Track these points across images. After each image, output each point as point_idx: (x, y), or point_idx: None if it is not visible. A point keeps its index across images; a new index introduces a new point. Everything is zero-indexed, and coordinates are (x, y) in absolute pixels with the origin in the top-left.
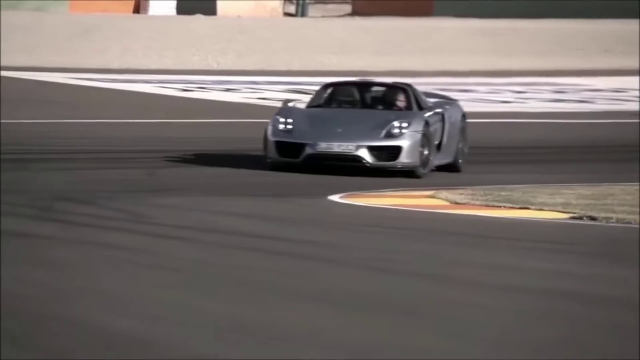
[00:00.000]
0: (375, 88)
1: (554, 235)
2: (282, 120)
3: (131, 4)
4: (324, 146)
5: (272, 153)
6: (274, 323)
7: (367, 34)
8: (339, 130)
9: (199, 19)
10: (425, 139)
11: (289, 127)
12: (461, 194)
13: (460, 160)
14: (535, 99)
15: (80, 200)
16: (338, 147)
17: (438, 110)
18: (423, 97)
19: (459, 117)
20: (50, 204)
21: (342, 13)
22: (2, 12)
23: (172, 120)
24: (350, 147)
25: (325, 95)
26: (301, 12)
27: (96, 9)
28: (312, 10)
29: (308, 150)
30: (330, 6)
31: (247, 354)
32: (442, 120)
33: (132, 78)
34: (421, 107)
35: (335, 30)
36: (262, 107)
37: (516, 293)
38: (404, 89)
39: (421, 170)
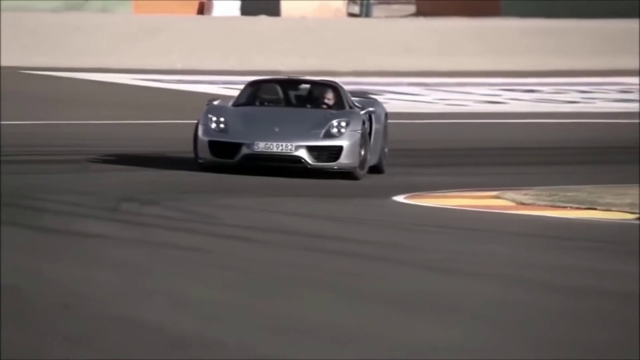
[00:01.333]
0: (303, 85)
1: (621, 236)
2: (214, 119)
3: (195, 5)
4: (262, 146)
5: (205, 153)
6: (338, 324)
7: (432, 34)
8: (276, 129)
9: (263, 20)
10: (363, 139)
11: (222, 126)
12: (526, 194)
13: (384, 161)
14: (601, 99)
15: (145, 201)
16: (277, 147)
17: (370, 109)
18: (349, 95)
19: (383, 116)
20: (115, 205)
21: (406, 13)
22: (68, 15)
23: None
24: (290, 147)
25: (251, 93)
26: (365, 12)
27: (160, 10)
28: (377, 10)
29: (245, 151)
30: (394, 6)
31: (310, 355)
32: (370, 119)
33: (195, 79)
34: (350, 106)
35: (399, 30)
36: None
37: (590, 296)
38: (334, 86)
39: (359, 172)
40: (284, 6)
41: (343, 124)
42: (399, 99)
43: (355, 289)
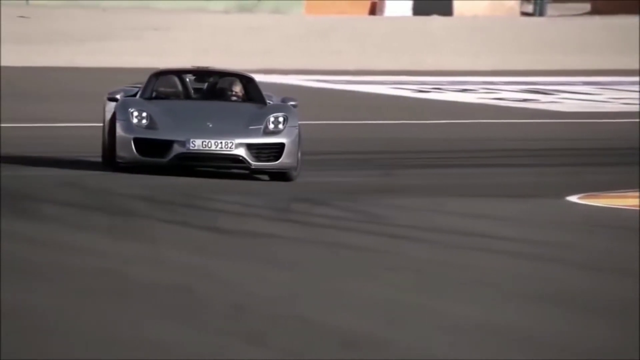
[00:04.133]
0: (216, 77)
1: None
2: (136, 114)
3: (367, 5)
4: (198, 144)
5: (127, 152)
6: (509, 324)
7: (608, 32)
8: (209, 125)
9: (435, 20)
10: (299, 136)
11: (145, 121)
12: None
13: (299, 166)
14: None
15: (317, 201)
16: (215, 145)
17: (292, 102)
18: None
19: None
20: (287, 205)
21: (581, 12)
22: (240, 15)
23: (407, 121)
24: (229, 145)
25: (159, 84)
26: (539, 11)
27: (332, 11)
28: (550, 9)
29: (178, 149)
30: (568, 5)
31: (483, 355)
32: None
33: (366, 79)
34: (265, 100)
35: (574, 29)
36: (496, 108)
37: None
38: (251, 78)
39: (294, 173)
40: (457, 6)
41: (280, 119)
42: (574, 98)
43: (525, 288)
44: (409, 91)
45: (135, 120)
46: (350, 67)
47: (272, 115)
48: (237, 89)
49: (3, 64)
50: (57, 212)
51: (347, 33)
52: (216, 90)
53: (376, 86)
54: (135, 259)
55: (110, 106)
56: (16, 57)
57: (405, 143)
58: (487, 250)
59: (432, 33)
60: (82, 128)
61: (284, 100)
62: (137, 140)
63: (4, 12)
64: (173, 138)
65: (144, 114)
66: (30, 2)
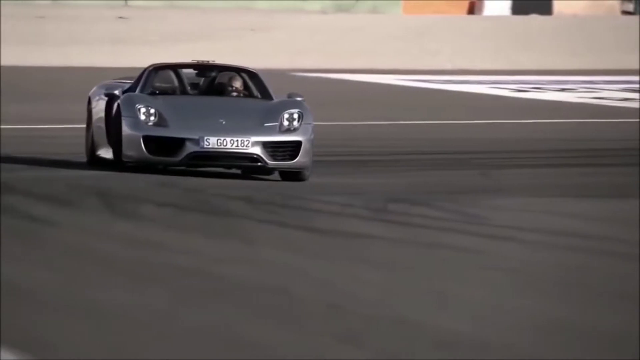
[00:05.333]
0: (220, 72)
1: None
2: (143, 110)
3: (465, 5)
4: (213, 142)
5: (135, 151)
6: (604, 325)
7: None
8: (223, 122)
9: (534, 19)
10: (314, 134)
11: (153, 118)
12: None
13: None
14: None
15: (414, 202)
16: (231, 143)
17: (299, 98)
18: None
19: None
20: (384, 205)
21: None
22: (337, 16)
23: (504, 120)
24: (246, 143)
25: (159, 79)
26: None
27: (430, 11)
28: None
29: (191, 148)
30: None
31: (574, 355)
32: None
33: (464, 79)
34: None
35: None
36: (595, 107)
37: None
38: (256, 73)
39: (307, 173)
40: (556, 5)
41: (295, 116)
42: None
43: (619, 289)
44: (508, 91)
45: (143, 117)
46: (448, 67)
47: (286, 112)
48: (238, 84)
49: (100, 64)
50: (154, 212)
51: (445, 32)
52: (216, 85)
53: (474, 86)
54: (231, 259)
55: (101, 103)
56: (112, 58)
57: (503, 143)
58: (584, 250)
59: (531, 32)
60: None
61: (290, 96)
62: (146, 139)
63: (102, 13)
64: (185, 136)
65: (152, 111)
66: (129, 2)
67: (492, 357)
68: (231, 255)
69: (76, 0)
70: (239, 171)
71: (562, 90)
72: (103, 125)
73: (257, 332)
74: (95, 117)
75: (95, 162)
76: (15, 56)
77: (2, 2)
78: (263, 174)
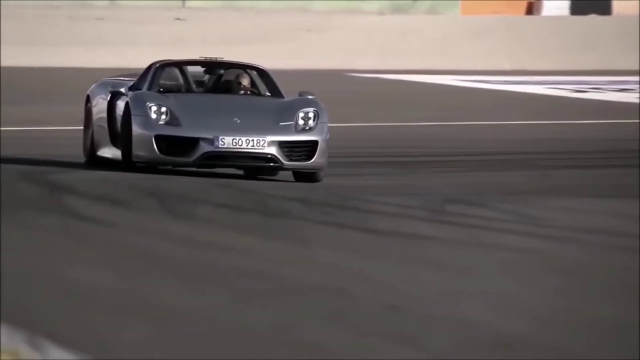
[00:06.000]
0: (227, 69)
1: None
2: (155, 108)
3: (524, 5)
4: (228, 142)
5: (148, 151)
6: None
7: None
8: (237, 121)
9: (593, 19)
10: (329, 133)
11: (164, 116)
12: None
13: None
14: None
15: (471, 203)
16: (246, 142)
17: (309, 96)
18: None
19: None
20: (441, 206)
21: None
22: (395, 16)
23: (562, 121)
24: (262, 143)
25: (162, 76)
26: None
27: (488, 11)
28: None
29: (205, 147)
30: None
31: (634, 357)
32: None
33: (522, 80)
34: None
35: None
36: None
37: None
38: (265, 71)
39: (322, 174)
40: (615, 5)
41: (311, 115)
42: None
43: None
44: (566, 91)
45: (154, 116)
46: (506, 67)
47: (301, 111)
48: (246, 81)
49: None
50: (211, 212)
51: (503, 33)
52: (223, 83)
53: (532, 86)
54: (289, 260)
55: (101, 102)
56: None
57: (561, 143)
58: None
59: (590, 33)
60: None
61: (301, 94)
62: (158, 138)
63: (160, 14)
64: (200, 135)
65: (163, 109)
66: (186, 3)
67: (550, 359)
68: (288, 256)
69: (134, 1)
70: (240, 171)
71: (621, 90)
72: (105, 124)
73: (315, 332)
74: (95, 116)
75: (95, 163)
76: (74, 57)
77: (63, 2)
78: (268, 175)
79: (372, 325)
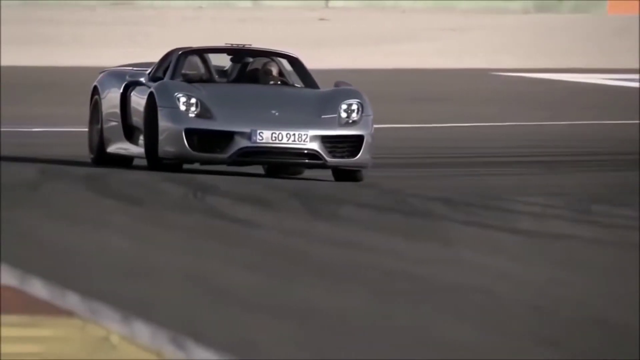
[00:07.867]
0: (257, 58)
1: None
2: (184, 99)
3: None
4: (267, 136)
5: (178, 146)
6: None
7: None
8: (276, 113)
9: None
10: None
11: (194, 108)
12: None
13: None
14: None
15: (618, 203)
16: (287, 137)
17: (348, 87)
18: None
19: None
20: (587, 206)
21: None
22: (540, 15)
23: None
24: (304, 137)
25: (185, 64)
26: None
27: (636, 10)
28: None
29: (241, 142)
30: None
31: None
32: None
33: None
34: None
35: None
36: None
37: None
38: (297, 58)
39: (364, 172)
40: None
41: (354, 107)
42: None
43: None
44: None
45: (183, 108)
46: None
47: (343, 103)
48: (275, 70)
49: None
50: (353, 213)
51: None
52: (250, 72)
53: None
54: (432, 260)
55: (113, 94)
56: (315, 60)
57: None
58: None
59: None
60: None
61: (337, 85)
62: (189, 132)
63: (303, 15)
64: (235, 129)
65: (193, 100)
66: (329, 4)
67: None
68: (432, 256)
69: (277, 1)
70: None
71: None
72: (118, 117)
73: (458, 332)
74: (106, 109)
75: (104, 161)
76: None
77: (203, 2)
78: (287, 173)
79: (516, 325)
